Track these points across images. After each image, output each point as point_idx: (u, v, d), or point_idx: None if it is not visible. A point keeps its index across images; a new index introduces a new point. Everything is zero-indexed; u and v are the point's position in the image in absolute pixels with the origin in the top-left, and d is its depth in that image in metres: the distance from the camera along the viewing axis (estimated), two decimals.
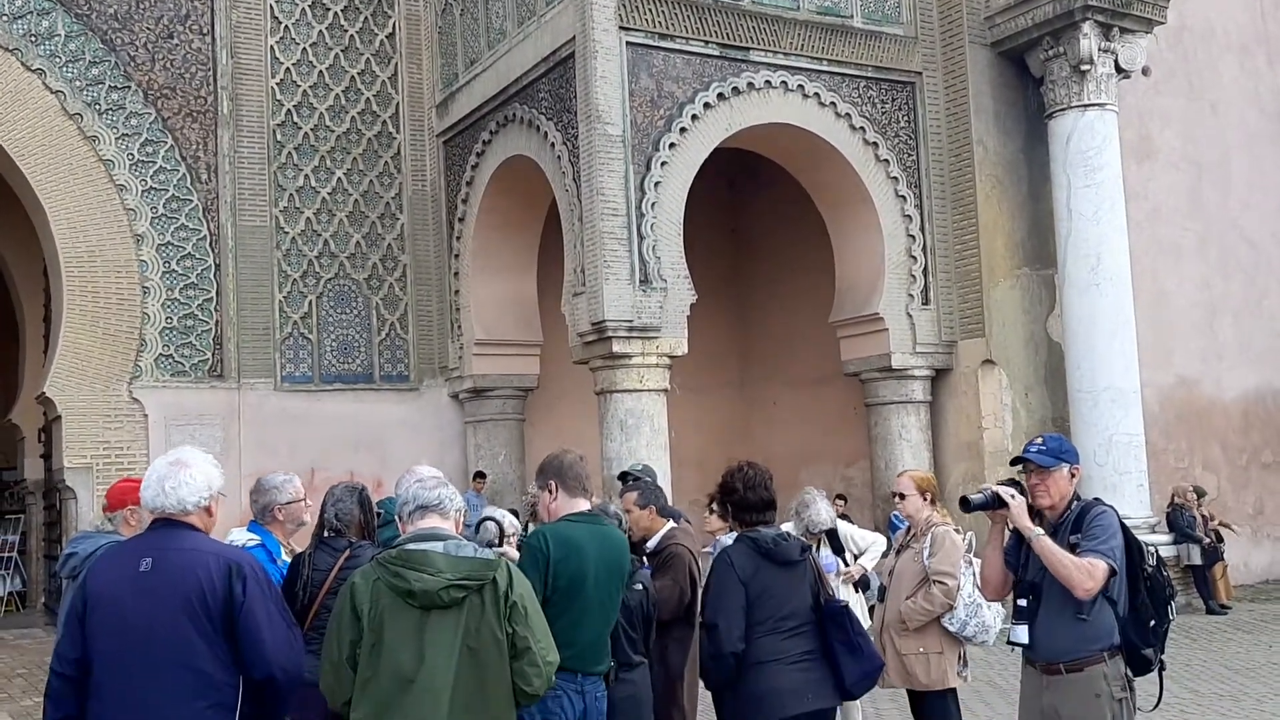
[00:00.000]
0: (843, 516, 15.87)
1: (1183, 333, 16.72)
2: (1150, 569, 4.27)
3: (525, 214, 15.60)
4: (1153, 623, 4.23)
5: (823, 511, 7.15)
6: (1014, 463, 4.54)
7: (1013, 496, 4.30)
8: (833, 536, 7.13)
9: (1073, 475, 4.40)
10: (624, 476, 7.66)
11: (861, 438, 16.51)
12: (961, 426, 15.48)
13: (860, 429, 16.60)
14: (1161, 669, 4.33)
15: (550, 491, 4.57)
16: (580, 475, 4.58)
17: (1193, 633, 12.65)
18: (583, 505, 4.55)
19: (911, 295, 15.38)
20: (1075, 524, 4.29)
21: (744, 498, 4.74)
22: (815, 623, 4.63)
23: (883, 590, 6.61)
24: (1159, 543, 14.26)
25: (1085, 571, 4.14)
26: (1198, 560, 14.33)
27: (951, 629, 6.22)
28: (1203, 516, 14.83)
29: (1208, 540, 14.47)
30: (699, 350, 15.93)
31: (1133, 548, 4.27)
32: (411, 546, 3.64)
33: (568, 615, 4.34)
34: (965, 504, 4.43)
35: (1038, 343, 15.50)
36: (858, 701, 7.06)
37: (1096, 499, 4.48)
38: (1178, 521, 14.52)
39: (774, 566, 4.59)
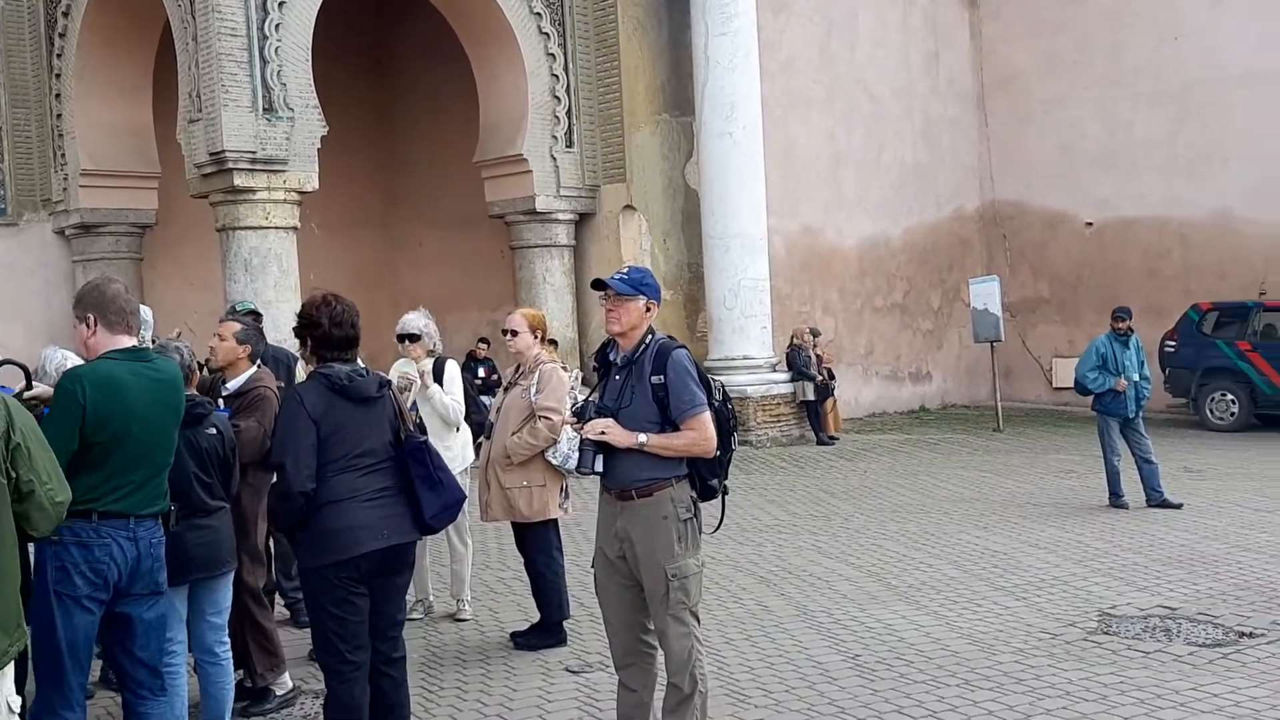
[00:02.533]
0: (485, 360, 16.03)
1: (809, 182, 17.61)
2: (717, 403, 4.42)
3: (136, 31, 14.14)
4: (718, 452, 4.39)
5: (410, 317, 6.99)
6: (595, 286, 4.52)
7: (603, 432, 4.33)
8: (439, 371, 6.99)
9: (648, 309, 4.44)
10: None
11: (508, 281, 16.50)
12: (604, 270, 15.61)
13: (507, 273, 16.57)
14: (724, 494, 4.54)
15: (89, 326, 4.11)
16: (124, 309, 4.12)
17: (801, 462, 13.66)
18: (126, 342, 4.13)
19: (555, 137, 15.32)
20: (656, 363, 4.35)
21: (328, 334, 4.45)
22: (395, 459, 4.50)
23: (490, 427, 6.59)
24: (778, 380, 15.27)
25: (700, 438, 4.31)
26: (812, 396, 15.39)
27: (555, 462, 6.30)
28: (817, 356, 15.89)
29: (821, 378, 15.55)
30: (338, 187, 15.28)
31: (703, 382, 4.40)
32: None
33: (114, 459, 3.97)
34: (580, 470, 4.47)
35: (676, 189, 15.90)
36: (468, 539, 7.12)
37: (670, 337, 4.56)
38: (795, 360, 15.50)
39: (348, 403, 4.38)
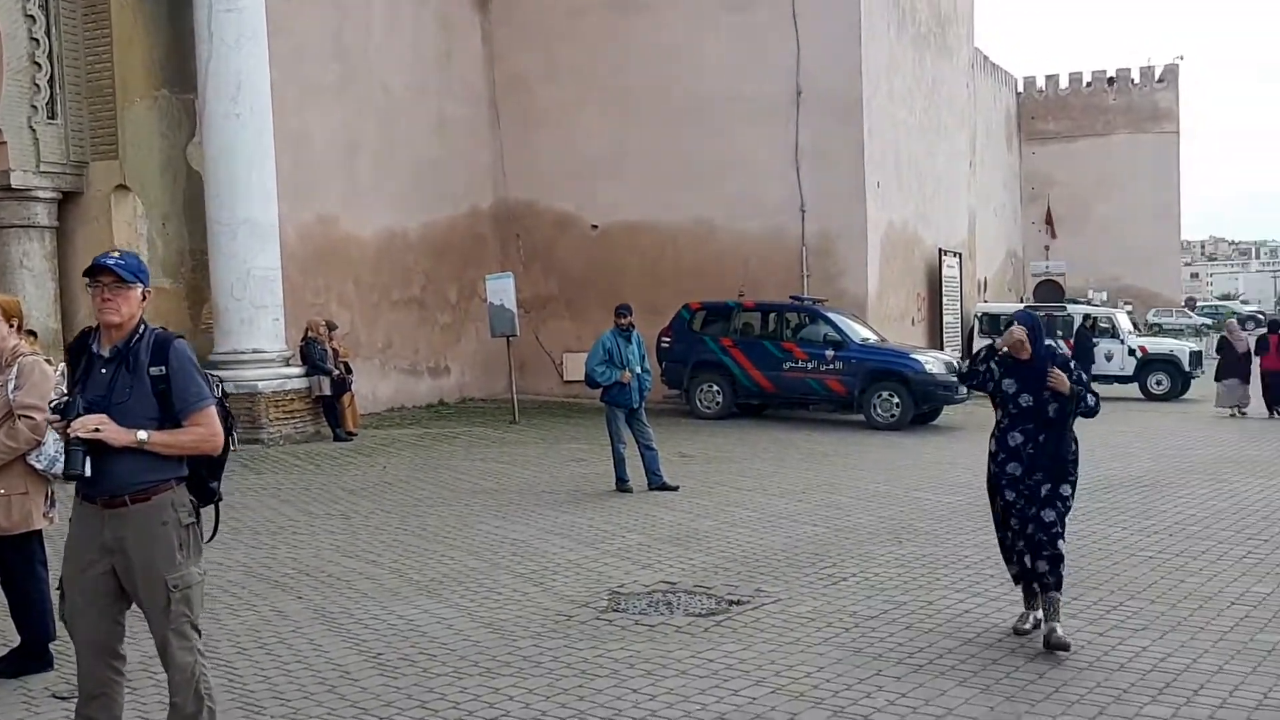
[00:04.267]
0: None
1: (324, 171, 17.14)
2: (217, 398, 4.15)
3: None
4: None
5: None
6: (90, 271, 4.04)
7: (97, 430, 3.88)
8: None
9: (144, 298, 4.08)
10: None
11: None
12: (93, 255, 14.34)
13: None
14: (219, 499, 4.28)
15: None
16: None
17: (318, 459, 13.27)
18: None
19: (35, 107, 13.81)
20: (155, 353, 4.00)
21: None
22: None
23: None
24: (292, 375, 14.71)
25: (208, 434, 4.03)
26: (328, 391, 15.00)
27: (39, 467, 5.61)
28: (334, 349, 15.52)
29: (337, 372, 15.19)
30: None
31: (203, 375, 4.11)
32: None
33: None
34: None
35: (177, 170, 14.86)
36: None
37: (164, 327, 4.21)
38: (310, 354, 15.03)
39: None
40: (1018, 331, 6.00)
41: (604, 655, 5.76)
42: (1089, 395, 6.01)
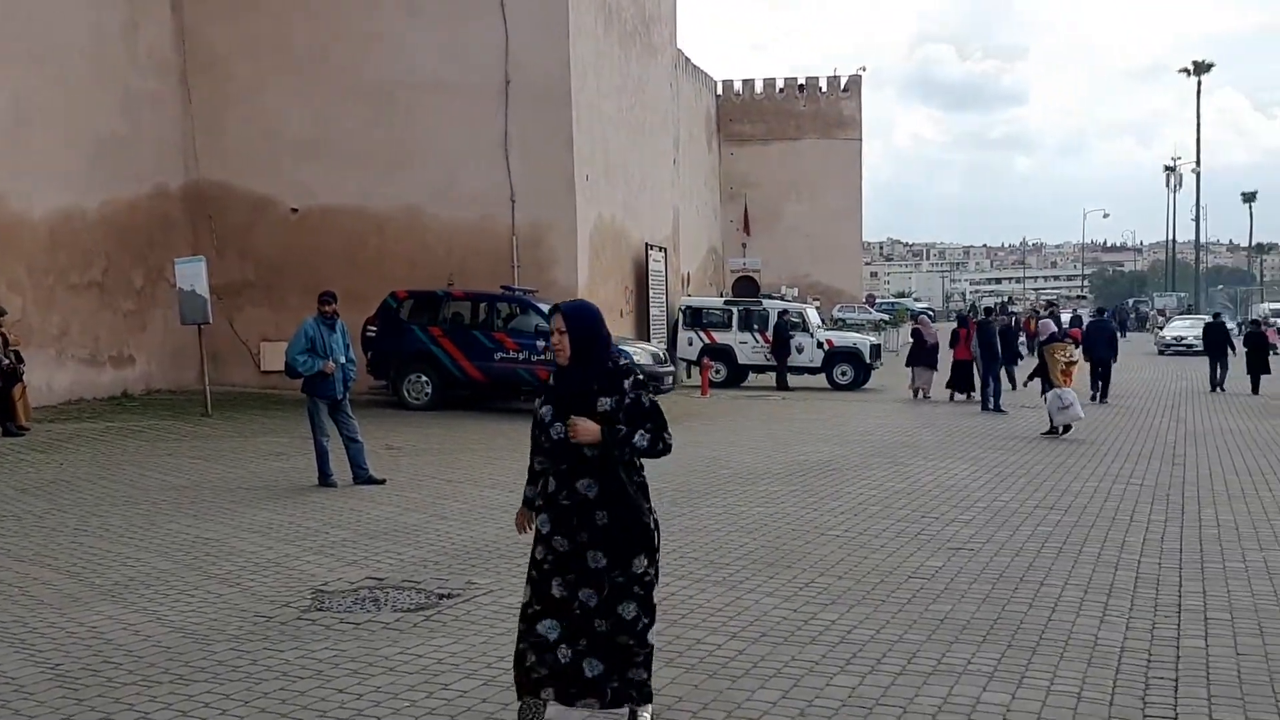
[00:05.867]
0: None
1: None
2: None
3: None
4: None
5: None
6: None
7: None
8: None
9: None
10: None
11: None
12: None
13: None
14: None
15: None
16: None
17: None
18: None
19: None
20: None
21: None
22: None
23: None
24: None
25: None
26: None
27: None
28: (3, 337, 14.22)
29: (7, 361, 13.94)
30: None
31: None
32: None
33: None
34: None
35: None
36: None
37: None
38: None
39: None
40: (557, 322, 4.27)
41: (307, 656, 5.55)
42: (639, 436, 4.09)
